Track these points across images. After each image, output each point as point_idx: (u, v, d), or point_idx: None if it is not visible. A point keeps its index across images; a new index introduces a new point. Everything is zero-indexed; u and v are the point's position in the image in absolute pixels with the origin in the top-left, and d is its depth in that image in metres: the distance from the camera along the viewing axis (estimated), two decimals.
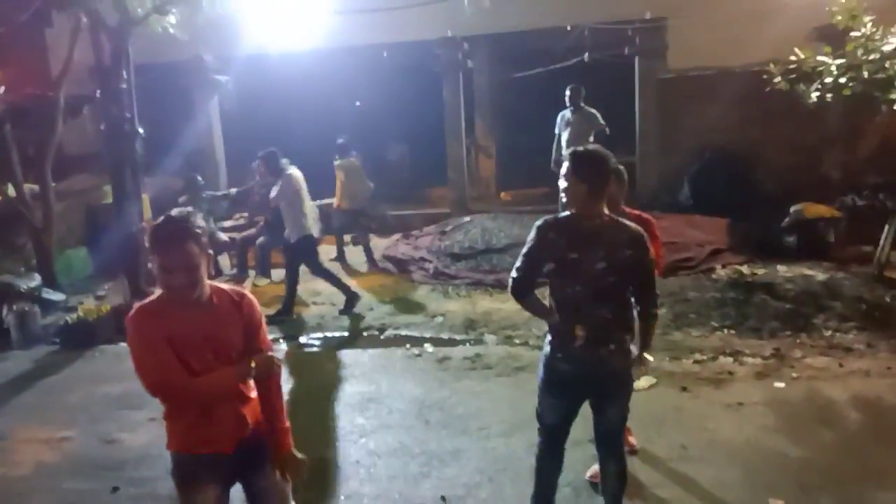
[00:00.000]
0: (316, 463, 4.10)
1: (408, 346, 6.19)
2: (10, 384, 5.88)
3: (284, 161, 7.30)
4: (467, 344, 6.15)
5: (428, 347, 6.11)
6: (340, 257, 9.32)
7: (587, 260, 2.77)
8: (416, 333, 6.54)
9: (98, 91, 7.30)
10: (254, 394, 2.44)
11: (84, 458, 4.44)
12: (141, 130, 7.33)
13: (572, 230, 2.81)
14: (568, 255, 2.78)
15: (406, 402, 4.96)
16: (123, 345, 6.64)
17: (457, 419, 4.64)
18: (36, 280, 7.62)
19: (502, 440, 4.29)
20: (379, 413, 4.82)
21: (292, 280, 7.19)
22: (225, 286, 2.41)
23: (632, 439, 3.90)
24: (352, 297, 7.20)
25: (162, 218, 2.18)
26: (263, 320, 2.44)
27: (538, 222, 2.87)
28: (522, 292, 2.92)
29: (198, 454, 2.35)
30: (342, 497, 3.77)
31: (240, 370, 2.30)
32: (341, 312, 7.18)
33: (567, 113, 8.87)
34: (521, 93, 12.48)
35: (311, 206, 7.48)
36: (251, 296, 2.44)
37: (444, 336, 6.42)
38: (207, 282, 2.28)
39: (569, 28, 10.05)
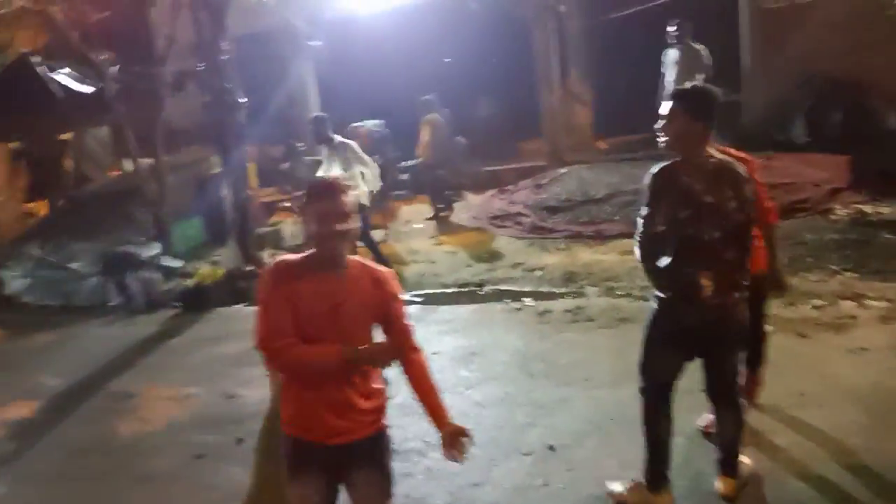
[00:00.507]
0: (424, 415, 4.25)
1: (507, 300, 6.19)
2: (136, 346, 6.35)
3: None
4: (568, 297, 6.07)
5: (528, 301, 6.09)
6: (439, 212, 9.38)
7: (722, 201, 2.64)
8: (515, 288, 6.52)
9: (200, 65, 7.59)
10: (377, 385, 2.33)
11: (208, 413, 4.74)
12: (242, 100, 7.58)
13: (700, 172, 2.66)
14: (704, 199, 2.63)
15: (509, 355, 4.98)
16: (238, 307, 7.05)
17: (560, 370, 4.62)
18: (155, 249, 8.13)
19: (608, 390, 4.23)
20: (482, 366, 4.87)
21: (369, 242, 7.12)
22: (369, 262, 2.35)
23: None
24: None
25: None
26: (404, 307, 2.36)
27: (655, 171, 2.72)
28: (655, 254, 2.74)
29: (307, 441, 2.26)
30: None
31: (346, 351, 2.14)
32: None
33: (672, 51, 8.45)
34: (617, 34, 11.93)
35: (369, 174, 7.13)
36: (394, 277, 2.34)
37: (544, 290, 6.35)
38: (351, 256, 2.25)
39: None
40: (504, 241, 8.06)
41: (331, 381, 2.19)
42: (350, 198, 2.18)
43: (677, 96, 2.74)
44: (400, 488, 3.49)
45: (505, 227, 8.46)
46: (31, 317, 7.45)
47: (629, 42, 11.26)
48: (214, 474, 3.94)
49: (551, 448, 3.67)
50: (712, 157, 2.71)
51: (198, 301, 7.11)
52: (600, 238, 7.41)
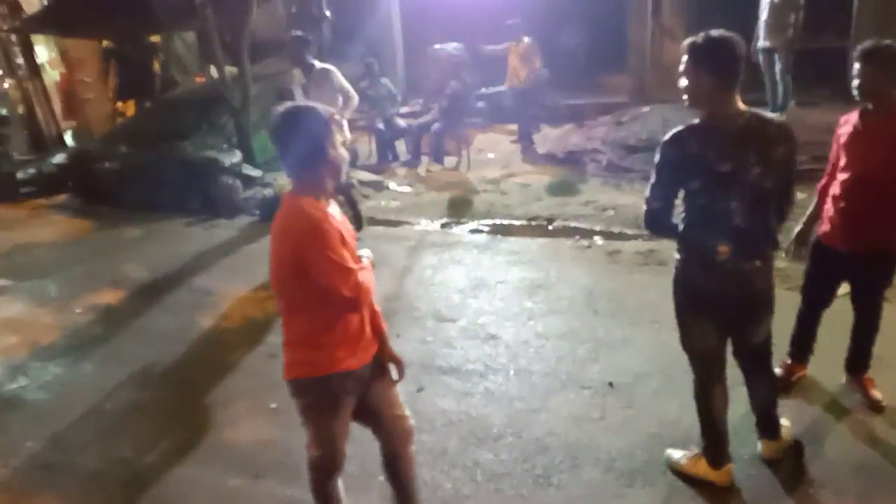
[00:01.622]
0: (486, 339, 4.37)
1: (577, 237, 6.16)
2: (216, 248, 6.63)
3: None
4: (640, 239, 5.99)
5: (598, 240, 6.05)
6: (525, 132, 9.34)
7: (741, 169, 2.42)
8: (585, 225, 6.47)
9: None
10: None
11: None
12: (328, 14, 7.56)
13: (717, 137, 2.43)
14: (718, 169, 2.42)
15: (574, 291, 5.00)
16: None
17: (626, 311, 4.62)
18: (237, 156, 8.35)
19: (674, 334, 4.13)
20: (547, 299, 4.91)
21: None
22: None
23: (875, 393, 3.37)
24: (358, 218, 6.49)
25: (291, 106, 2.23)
26: None
27: (667, 137, 2.49)
28: (662, 224, 2.62)
29: (351, 369, 2.30)
30: (511, 371, 3.96)
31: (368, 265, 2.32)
32: None
33: None
34: None
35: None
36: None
37: (615, 230, 6.29)
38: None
39: None
40: (578, 177, 7.95)
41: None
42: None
43: (686, 47, 2.45)
44: (459, 406, 3.66)
45: (580, 162, 8.32)
46: (119, 211, 7.85)
47: None
48: None
49: (611, 384, 3.73)
50: (740, 115, 2.45)
51: (275, 210, 7.30)
52: None
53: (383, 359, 2.49)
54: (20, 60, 10.53)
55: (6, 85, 10.59)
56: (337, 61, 9.92)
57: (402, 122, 9.53)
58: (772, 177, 2.47)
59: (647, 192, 2.59)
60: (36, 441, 3.58)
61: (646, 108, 9.02)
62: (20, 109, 10.63)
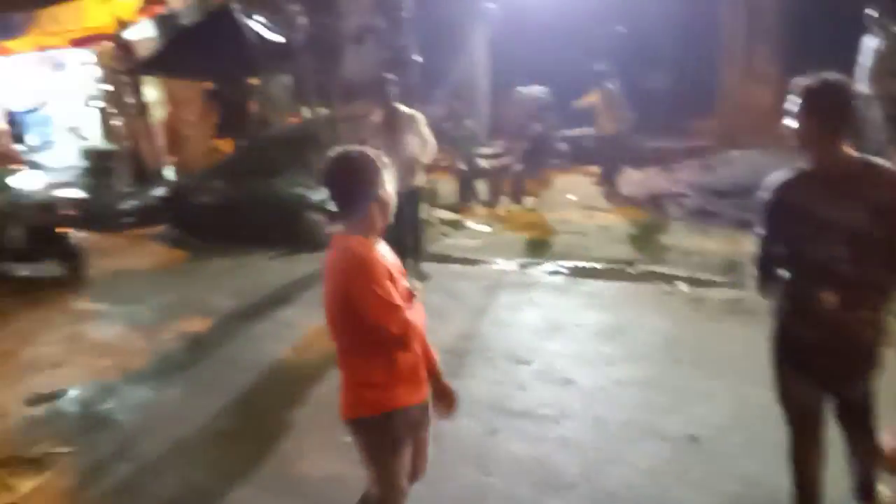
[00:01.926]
0: (561, 383, 4.28)
1: (659, 282, 5.99)
2: (299, 281, 6.82)
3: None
4: (726, 286, 5.77)
5: (681, 286, 5.86)
6: (609, 175, 9.26)
7: (849, 216, 2.32)
8: (667, 270, 6.30)
9: (381, 21, 7.86)
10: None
11: None
12: (418, 58, 7.79)
13: (825, 182, 2.36)
14: (825, 215, 2.33)
15: (655, 337, 4.85)
16: None
17: (709, 361, 4.43)
18: (324, 193, 8.62)
19: (760, 389, 3.91)
20: (626, 344, 4.78)
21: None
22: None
23: None
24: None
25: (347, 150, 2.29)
26: None
27: (773, 182, 2.44)
28: (770, 279, 2.54)
29: (412, 405, 2.33)
30: (590, 419, 3.85)
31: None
32: None
33: (871, 37, 7.58)
34: (811, 10, 10.91)
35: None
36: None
37: (700, 276, 6.08)
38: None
39: None
40: (661, 221, 7.78)
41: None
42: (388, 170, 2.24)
43: (799, 89, 2.38)
44: (532, 452, 3.57)
45: (664, 206, 8.15)
46: (212, 242, 8.23)
47: (824, 20, 10.24)
48: None
49: (692, 438, 3.57)
50: (849, 160, 2.36)
51: None
52: None
53: (436, 392, 2.49)
54: (130, 99, 11.33)
55: (117, 122, 11.40)
56: (424, 104, 10.24)
57: (483, 163, 9.63)
58: (882, 225, 2.35)
59: (755, 246, 2.56)
60: (121, 462, 3.73)
61: (735, 153, 8.78)
62: (127, 144, 11.40)
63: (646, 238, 7.24)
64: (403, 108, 6.20)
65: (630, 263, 6.56)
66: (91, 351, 5.26)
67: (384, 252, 2.29)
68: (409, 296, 2.29)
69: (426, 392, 2.40)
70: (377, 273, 2.14)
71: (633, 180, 9.29)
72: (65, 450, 3.84)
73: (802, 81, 2.41)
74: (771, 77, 11.66)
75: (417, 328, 2.24)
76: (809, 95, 2.37)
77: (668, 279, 6.04)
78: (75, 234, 7.12)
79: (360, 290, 2.12)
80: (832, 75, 2.36)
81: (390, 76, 6.30)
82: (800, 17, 11.46)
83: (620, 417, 3.82)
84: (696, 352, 4.58)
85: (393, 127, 6.03)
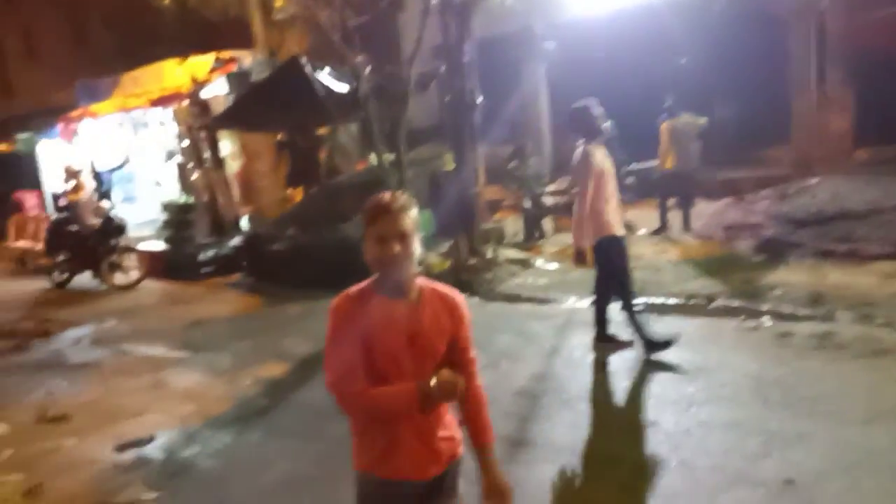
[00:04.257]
0: (643, 428, 4.12)
1: (741, 318, 5.75)
2: None
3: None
4: (813, 320, 5.49)
5: (765, 321, 5.61)
6: (663, 226, 9.03)
7: None
8: (748, 305, 6.04)
9: (443, 67, 8.03)
10: (448, 418, 2.14)
11: None
12: (479, 100, 7.89)
13: None
14: None
15: (740, 377, 4.63)
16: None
17: (800, 400, 4.19)
18: None
19: (859, 429, 3.76)
20: (709, 385, 4.58)
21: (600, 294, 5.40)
22: (438, 285, 2.11)
23: None
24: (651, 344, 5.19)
25: (380, 194, 2.05)
26: (470, 331, 2.13)
27: None
28: None
29: (387, 479, 2.08)
30: (674, 462, 3.68)
31: (422, 387, 1.95)
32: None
33: None
34: (884, 35, 10.51)
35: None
36: (464, 302, 2.12)
37: (785, 310, 5.81)
38: (419, 281, 2.06)
39: None
40: (738, 254, 7.52)
41: (422, 413, 2.01)
42: (410, 217, 1.97)
43: None
44: (617, 499, 3.43)
45: (740, 238, 7.88)
46: (285, 288, 8.43)
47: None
48: None
49: (788, 482, 3.35)
50: None
51: None
52: (856, 258, 6.60)
53: (486, 486, 2.15)
54: (207, 154, 11.87)
55: (195, 176, 11.95)
56: (488, 144, 10.33)
57: (549, 200, 9.58)
58: None
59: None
60: None
61: (814, 181, 8.45)
62: (205, 197, 11.91)
63: (723, 272, 7.00)
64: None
65: (708, 299, 6.34)
66: (174, 398, 5.42)
67: (378, 301, 2.01)
68: (403, 369, 1.99)
69: (420, 471, 2.07)
70: (335, 326, 1.98)
71: (705, 213, 9.04)
72: (152, 495, 3.93)
73: None
74: (846, 102, 11.28)
75: (382, 401, 1.98)
76: None
77: (751, 314, 5.80)
78: None
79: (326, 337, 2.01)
80: None
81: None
82: (871, 39, 11.09)
83: (709, 463, 3.63)
84: (786, 391, 4.33)
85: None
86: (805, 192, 8.15)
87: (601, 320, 5.37)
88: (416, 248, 1.97)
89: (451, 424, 2.14)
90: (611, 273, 5.22)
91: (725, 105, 12.80)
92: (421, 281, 2.06)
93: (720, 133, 11.68)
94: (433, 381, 1.93)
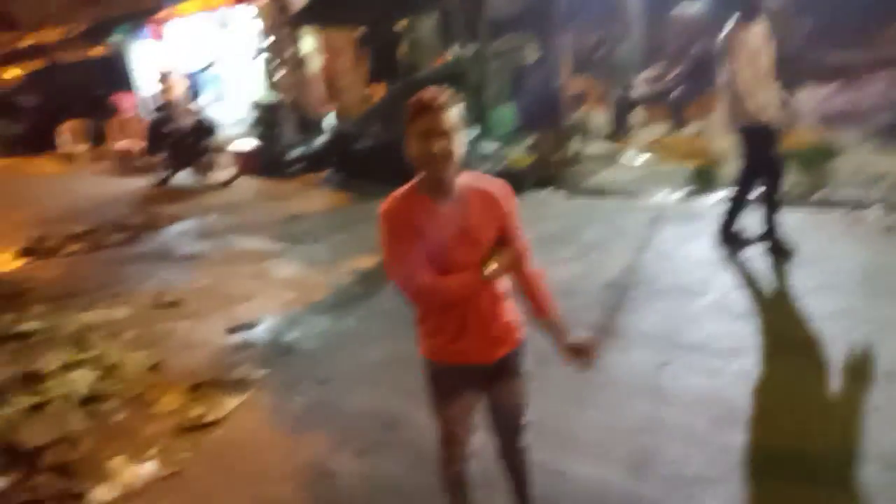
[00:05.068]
0: (738, 317, 4.07)
1: (847, 209, 5.47)
2: None
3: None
4: None
5: (873, 212, 5.31)
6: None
7: None
8: (856, 196, 5.72)
9: None
10: (509, 303, 2.23)
11: None
12: None
13: None
14: None
15: (846, 267, 4.46)
16: (546, 191, 7.31)
17: None
18: (475, 132, 8.65)
19: None
20: (812, 275, 4.44)
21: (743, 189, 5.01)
22: (481, 180, 2.14)
23: None
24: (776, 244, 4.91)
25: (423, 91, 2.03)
26: (518, 220, 2.18)
27: None
28: None
29: (454, 364, 2.22)
30: (771, 353, 3.64)
31: (486, 272, 2.07)
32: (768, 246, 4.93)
33: None
34: None
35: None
36: (510, 192, 2.16)
37: (892, 200, 5.46)
38: (463, 178, 2.09)
39: None
40: (846, 142, 7.04)
41: (484, 298, 2.13)
42: (452, 115, 1.97)
43: None
44: (707, 386, 3.45)
45: (849, 126, 7.35)
46: (372, 184, 8.55)
47: None
48: None
49: (890, 374, 3.27)
50: None
51: (511, 183, 7.47)
52: None
53: (567, 350, 2.26)
54: (290, 51, 11.90)
55: (281, 74, 12.05)
56: (573, 31, 9.86)
57: (640, 89, 9.17)
58: None
59: None
60: (311, 383, 4.06)
61: None
62: (291, 95, 12.04)
63: (829, 162, 6.60)
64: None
65: (812, 190, 6.03)
66: (276, 286, 5.73)
67: (425, 199, 2.04)
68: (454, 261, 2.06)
69: (480, 355, 2.20)
70: (390, 228, 2.02)
71: (812, 98, 8.43)
72: (262, 372, 4.25)
73: None
74: None
75: (450, 291, 2.06)
76: None
77: (858, 205, 5.50)
78: None
79: (381, 241, 2.05)
80: None
81: None
82: None
83: (814, 351, 3.58)
84: (894, 280, 4.15)
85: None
86: None
87: (733, 215, 5.06)
88: (460, 146, 1.98)
89: (511, 309, 2.24)
90: (758, 164, 4.78)
91: None
92: (465, 178, 2.09)
93: (830, 9, 10.68)
94: (493, 262, 2.07)
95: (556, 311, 2.26)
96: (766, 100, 4.59)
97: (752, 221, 5.02)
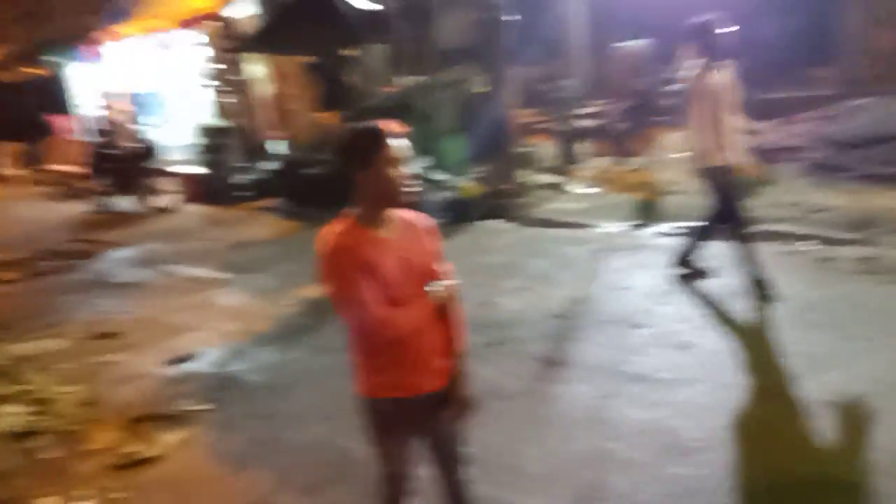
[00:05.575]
0: (679, 348, 4.17)
1: (781, 242, 5.69)
2: None
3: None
4: (858, 244, 5.40)
5: (805, 245, 5.54)
6: None
7: None
8: (791, 229, 5.96)
9: None
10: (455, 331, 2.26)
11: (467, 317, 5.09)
12: (514, 18, 7.64)
13: None
14: None
15: (789, 297, 4.60)
16: (495, 222, 7.38)
17: (842, 324, 4.18)
18: (424, 162, 8.70)
19: None
20: (749, 307, 4.58)
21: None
22: (406, 211, 2.17)
23: None
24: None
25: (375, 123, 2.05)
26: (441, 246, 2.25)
27: None
28: None
29: (403, 398, 2.18)
30: (711, 384, 3.73)
31: (433, 296, 2.12)
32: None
33: None
34: None
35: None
36: (432, 220, 2.24)
37: (828, 234, 5.71)
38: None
39: None
40: (778, 177, 7.35)
41: (429, 328, 2.14)
42: (409, 143, 2.02)
43: None
44: (650, 418, 3.50)
45: (781, 161, 7.69)
46: (322, 212, 8.48)
47: None
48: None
49: (828, 403, 3.39)
50: None
51: (459, 213, 7.55)
52: None
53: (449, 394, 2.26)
54: (237, 77, 11.80)
55: (229, 99, 11.91)
56: (522, 65, 10.05)
57: (583, 123, 9.41)
58: None
59: None
60: (254, 418, 3.96)
61: (860, 102, 8.13)
62: (238, 121, 11.90)
63: (764, 196, 6.87)
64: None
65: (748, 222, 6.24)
66: (220, 316, 5.60)
67: (366, 234, 2.06)
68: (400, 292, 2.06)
69: (429, 384, 2.20)
70: (338, 265, 2.02)
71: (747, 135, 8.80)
72: (203, 406, 4.12)
73: None
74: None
75: (404, 322, 2.06)
76: None
77: (793, 238, 5.73)
78: None
79: (322, 279, 2.06)
80: None
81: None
82: None
83: (743, 381, 3.69)
84: (827, 314, 4.33)
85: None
86: (852, 113, 7.87)
87: (691, 247, 5.11)
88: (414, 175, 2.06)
89: (451, 337, 2.26)
90: (724, 206, 4.76)
91: (766, 22, 12.22)
92: (395, 210, 2.13)
93: (761, 51, 11.19)
94: (436, 289, 2.12)
95: (461, 351, 2.26)
96: (730, 143, 4.64)
97: (707, 253, 5.16)
